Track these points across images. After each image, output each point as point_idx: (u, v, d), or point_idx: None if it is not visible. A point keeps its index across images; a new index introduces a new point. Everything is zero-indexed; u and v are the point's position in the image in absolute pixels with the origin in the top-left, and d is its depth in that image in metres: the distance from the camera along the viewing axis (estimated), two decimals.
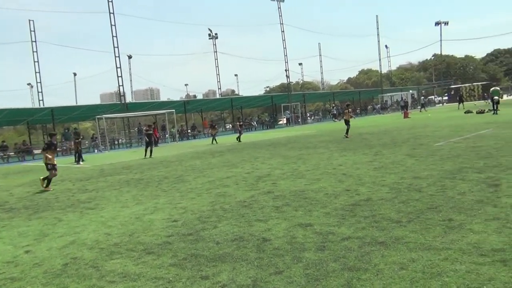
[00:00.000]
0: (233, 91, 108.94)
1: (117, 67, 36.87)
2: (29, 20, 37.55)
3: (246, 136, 28.16)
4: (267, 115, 60.86)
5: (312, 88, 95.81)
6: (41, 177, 12.42)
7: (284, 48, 50.72)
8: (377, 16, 67.26)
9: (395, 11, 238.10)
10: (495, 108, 27.33)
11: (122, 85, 37.75)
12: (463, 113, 31.41)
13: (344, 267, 4.13)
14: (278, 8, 49.78)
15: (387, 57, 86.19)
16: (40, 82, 38.48)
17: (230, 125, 56.37)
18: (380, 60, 67.84)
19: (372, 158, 11.73)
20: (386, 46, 78.36)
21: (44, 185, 12.12)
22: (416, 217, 5.54)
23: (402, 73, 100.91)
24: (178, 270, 4.54)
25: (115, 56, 36.67)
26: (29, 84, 68.10)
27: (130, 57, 64.12)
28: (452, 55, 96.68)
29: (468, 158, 9.98)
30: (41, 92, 38.31)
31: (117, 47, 36.61)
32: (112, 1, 35.87)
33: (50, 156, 12.40)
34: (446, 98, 72.98)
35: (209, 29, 52.10)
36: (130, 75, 64.93)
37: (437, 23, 71.86)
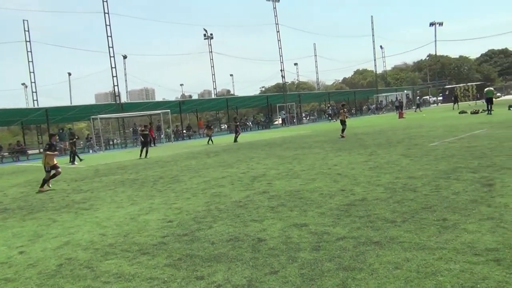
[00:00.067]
0: (228, 91, 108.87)
1: (112, 67, 36.76)
2: (23, 20, 37.35)
3: (242, 137, 28.13)
4: (263, 115, 60.87)
5: (308, 88, 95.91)
6: (39, 188, 12.29)
7: (279, 48, 50.79)
8: (372, 16, 67.31)
9: (390, 12, 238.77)
10: (489, 108, 27.49)
11: (117, 85, 37.69)
12: (457, 113, 31.56)
13: (339, 267, 4.14)
14: (273, 8, 49.84)
15: (382, 57, 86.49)
16: (35, 82, 38.29)
17: (226, 125, 56.36)
18: (375, 60, 68.01)
19: (367, 158, 11.76)
20: (381, 46, 78.81)
21: (44, 187, 12.06)
22: (410, 217, 5.57)
23: (397, 73, 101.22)
24: (173, 270, 4.53)
25: (110, 56, 36.55)
26: (23, 84, 67.76)
27: (125, 57, 63.89)
28: (446, 56, 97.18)
29: (463, 158, 10.03)
30: (36, 92, 38.13)
31: (112, 47, 36.52)
32: (107, 1, 35.76)
33: (50, 157, 12.31)
34: (441, 98, 73.32)
35: (205, 29, 52.08)
36: (125, 75, 64.76)
37: (431, 24, 72.30)
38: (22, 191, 12.39)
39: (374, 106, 62.86)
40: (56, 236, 6.57)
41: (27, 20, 37.59)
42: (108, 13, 35.92)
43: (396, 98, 57.70)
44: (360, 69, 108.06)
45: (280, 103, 51.20)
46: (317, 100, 72.42)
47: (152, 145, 30.49)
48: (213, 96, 59.77)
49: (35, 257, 5.58)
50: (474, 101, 52.94)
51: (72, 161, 21.92)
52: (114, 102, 38.71)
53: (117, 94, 38.28)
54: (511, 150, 10.36)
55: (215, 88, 53.85)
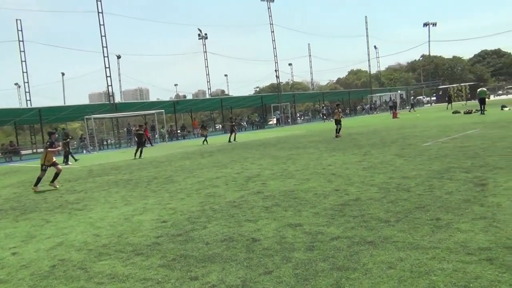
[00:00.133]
0: (223, 91, 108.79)
1: (106, 67, 36.63)
2: (17, 20, 37.15)
3: (236, 137, 28.10)
4: (257, 115, 60.88)
5: (302, 88, 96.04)
6: (32, 186, 12.23)
7: (274, 48, 50.82)
8: (366, 17, 67.52)
9: (384, 12, 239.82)
10: (482, 108, 27.67)
11: (111, 85, 37.57)
12: (451, 113, 31.73)
13: (333, 266, 4.14)
14: (268, 8, 49.86)
15: (376, 57, 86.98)
16: (28, 82, 38.14)
17: (220, 125, 56.33)
18: (369, 60, 68.35)
19: (361, 158, 11.80)
20: (375, 46, 79.10)
21: (38, 188, 12.01)
22: (404, 217, 5.59)
23: (391, 73, 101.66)
24: (167, 271, 4.52)
25: (104, 56, 36.42)
26: (16, 84, 67.33)
27: (119, 57, 63.70)
28: (440, 56, 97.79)
29: (456, 158, 10.08)
30: (29, 92, 38.00)
31: (106, 47, 36.38)
32: (100, 1, 35.64)
33: (51, 154, 12.25)
34: (434, 98, 73.70)
35: (199, 29, 52.06)
36: (119, 75, 64.57)
37: (425, 24, 72.70)
38: (15, 192, 12.31)
39: (368, 106, 63.08)
40: (49, 237, 6.53)
41: (20, 20, 37.44)
42: (102, 13, 35.83)
43: (390, 98, 57.92)
44: (354, 69, 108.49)
45: (274, 103, 51.24)
46: (312, 100, 72.55)
47: (148, 145, 30.44)
48: (207, 96, 59.70)
49: (28, 258, 5.54)
50: (465, 102, 53.20)
51: (66, 161, 21.80)
52: (108, 102, 38.57)
53: (111, 94, 38.15)
54: (504, 150, 10.43)
55: (210, 88, 53.90)
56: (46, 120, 38.91)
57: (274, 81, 61.75)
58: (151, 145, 31.96)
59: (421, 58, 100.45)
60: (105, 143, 39.36)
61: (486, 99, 29.38)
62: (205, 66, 51.65)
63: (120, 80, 65.62)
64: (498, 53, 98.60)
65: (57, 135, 15.10)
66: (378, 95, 66.48)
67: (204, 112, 69.67)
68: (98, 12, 35.59)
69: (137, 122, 47.49)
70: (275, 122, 53.01)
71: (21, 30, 37.10)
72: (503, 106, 30.06)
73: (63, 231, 6.85)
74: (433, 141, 14.08)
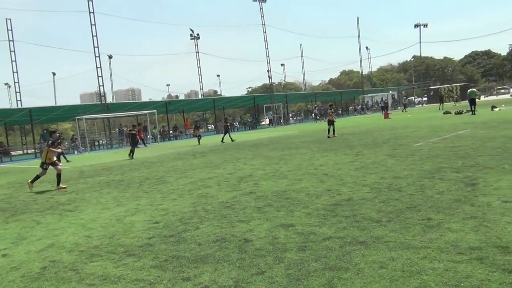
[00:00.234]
0: (215, 91, 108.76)
1: (97, 67, 36.40)
2: (6, 19, 36.89)
3: (228, 137, 28.05)
4: (249, 116, 60.87)
5: (294, 88, 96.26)
6: (29, 181, 12.15)
7: (266, 49, 50.84)
8: (357, 18, 68.07)
9: (376, 13, 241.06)
10: (472, 109, 27.90)
11: (103, 85, 37.30)
12: (442, 113, 31.96)
13: (325, 266, 4.16)
14: (260, 8, 49.87)
15: (368, 58, 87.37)
16: (18, 82, 37.82)
17: (213, 126, 56.22)
18: (361, 61, 68.66)
19: (353, 158, 11.85)
20: (366, 47, 79.46)
21: (33, 187, 12.00)
22: (396, 217, 5.62)
23: (382, 74, 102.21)
24: (159, 271, 4.50)
25: (95, 56, 36.20)
26: (6, 84, 66.64)
27: (110, 57, 63.42)
28: (431, 57, 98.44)
29: (447, 158, 10.16)
30: (19, 92, 37.67)
31: (97, 46, 36.16)
32: (92, 0, 35.41)
33: (51, 154, 12.17)
34: (426, 99, 74.18)
35: (191, 30, 51.95)
36: (111, 75, 64.27)
37: (416, 25, 73.19)
38: (5, 193, 12.19)
39: (360, 106, 63.33)
40: (40, 238, 6.48)
41: (10, 19, 37.15)
42: (93, 13, 35.59)
43: (382, 98, 58.20)
44: (346, 70, 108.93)
45: (267, 104, 51.26)
46: (304, 100, 72.71)
47: (142, 145, 30.35)
48: (200, 97, 59.61)
49: (18, 260, 5.50)
50: (454, 102, 53.51)
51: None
52: (99, 103, 38.34)
53: (102, 94, 37.90)
54: (494, 150, 10.54)
55: (202, 89, 53.81)
56: (37, 120, 38.60)
57: (267, 81, 61.78)
58: (145, 145, 31.84)
59: (413, 59, 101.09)
60: (96, 143, 39.10)
61: (477, 100, 29.64)
62: (198, 67, 51.59)
63: (111, 80, 65.39)
64: (488, 54, 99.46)
65: (58, 134, 15.00)
66: (370, 96, 66.76)
67: (196, 113, 69.50)
68: (90, 12, 35.39)
69: (129, 123, 47.31)
70: (267, 122, 53.03)
71: (11, 30, 36.82)
72: (493, 107, 30.36)
73: (54, 232, 6.80)
74: (425, 141, 14.18)
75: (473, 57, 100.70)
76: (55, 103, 55.04)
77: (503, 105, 33.55)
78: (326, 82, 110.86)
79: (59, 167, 12.26)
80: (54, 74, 67.57)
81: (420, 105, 69.85)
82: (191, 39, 51.79)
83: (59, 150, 12.79)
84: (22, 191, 12.27)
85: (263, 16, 50.11)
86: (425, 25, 73.75)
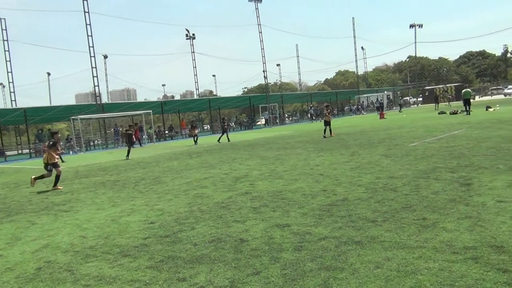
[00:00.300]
0: (211, 91, 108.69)
1: (92, 67, 36.27)
2: (1, 19, 36.64)
3: (225, 137, 28.05)
4: (245, 116, 60.88)
5: (290, 89, 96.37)
6: (33, 176, 12.12)
7: (262, 49, 50.86)
8: (353, 18, 67.95)
9: (371, 14, 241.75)
10: (467, 109, 28.03)
11: (98, 85, 37.19)
12: (437, 113, 32.08)
13: (321, 266, 4.16)
14: (256, 9, 49.91)
15: (364, 58, 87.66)
16: (13, 82, 37.63)
17: (208, 126, 56.19)
18: (356, 61, 68.84)
19: (349, 158, 11.87)
20: (362, 47, 79.89)
21: (35, 185, 12.00)
22: (391, 217, 5.64)
23: (378, 74, 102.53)
24: (155, 272, 4.50)
25: (90, 56, 36.06)
26: (0, 84, 66.39)
27: (105, 57, 63.20)
28: (426, 57, 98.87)
29: (442, 158, 10.20)
30: (14, 92, 37.50)
31: (93, 46, 36.04)
32: (87, 0, 35.28)
33: (53, 155, 12.13)
34: (421, 99, 74.48)
35: (186, 30, 51.85)
36: (106, 75, 64.06)
37: (411, 26, 73.44)
38: None
39: (355, 106, 63.51)
40: (35, 239, 6.45)
41: (4, 19, 36.96)
42: (88, 12, 35.47)
43: (377, 99, 58.40)
44: (342, 70, 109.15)
45: (262, 104, 51.29)
46: (300, 101, 72.79)
47: (137, 145, 30.29)
48: (195, 97, 59.51)
49: (13, 260, 5.47)
50: (447, 102, 53.67)
51: None
52: (94, 103, 38.21)
53: (97, 94, 37.79)
54: (489, 150, 10.59)
55: (198, 89, 53.70)
56: (32, 120, 38.43)
57: (262, 81, 61.91)
58: (140, 145, 31.78)
59: (408, 59, 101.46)
60: (92, 144, 39.00)
61: (471, 100, 29.78)
62: (193, 67, 51.50)
63: (107, 80, 65.17)
64: (482, 54, 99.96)
65: (60, 135, 14.96)
66: (365, 96, 66.97)
67: (192, 113, 69.41)
68: (85, 12, 35.26)
69: (124, 123, 47.18)
70: (263, 122, 53.06)
71: (6, 29, 36.62)
72: (487, 107, 30.52)
73: (49, 233, 6.77)
74: (420, 142, 14.23)
75: (468, 58, 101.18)
76: (50, 103, 54.90)
77: (497, 105, 33.76)
78: (322, 82, 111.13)
79: (59, 168, 12.22)
80: (49, 74, 67.52)
81: (415, 105, 70.13)
82: (186, 39, 51.71)
83: (60, 152, 12.73)
84: (17, 191, 12.21)
85: (258, 16, 50.20)
86: (420, 26, 74.06)
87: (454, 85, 70.61)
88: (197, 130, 28.39)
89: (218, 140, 26.00)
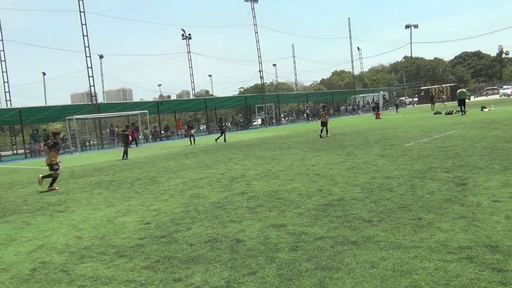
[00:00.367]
0: (207, 91, 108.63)
1: (88, 67, 36.15)
2: None
3: (222, 138, 28.03)
4: (241, 116, 60.85)
5: (286, 89, 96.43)
6: (41, 175, 12.05)
7: (258, 49, 50.89)
8: (349, 18, 68.13)
9: (367, 14, 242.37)
10: (462, 109, 28.15)
11: (94, 85, 37.04)
12: (432, 114, 32.19)
13: (316, 266, 4.17)
14: (252, 9, 49.93)
15: (360, 58, 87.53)
16: (8, 82, 37.38)
17: (204, 126, 56.12)
18: (352, 61, 69.07)
19: (345, 158, 11.89)
20: (358, 48, 79.91)
21: (42, 183, 11.95)
22: (387, 216, 5.65)
23: (374, 74, 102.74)
24: (151, 272, 4.49)
25: (86, 56, 35.94)
26: None
27: (101, 57, 63.09)
28: (421, 57, 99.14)
29: (437, 158, 10.24)
30: (9, 92, 37.21)
31: (88, 46, 35.90)
32: (82, 0, 35.18)
33: (55, 155, 12.07)
34: (416, 99, 74.69)
35: (183, 30, 51.79)
36: (102, 75, 63.98)
37: (407, 26, 73.69)
38: None
39: (351, 107, 63.62)
40: (30, 240, 6.42)
41: None
42: (84, 12, 35.35)
43: (373, 99, 58.52)
44: (338, 70, 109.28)
45: (259, 104, 51.27)
46: (296, 101, 72.84)
47: (133, 145, 30.24)
48: (191, 97, 59.47)
49: (8, 261, 5.44)
50: (441, 102, 53.78)
51: None
52: (90, 103, 38.08)
53: (93, 94, 37.66)
54: (483, 150, 10.64)
55: (194, 89, 53.69)
56: (27, 121, 38.25)
57: (258, 81, 61.82)
58: (136, 145, 31.71)
59: (403, 60, 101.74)
60: (87, 144, 38.85)
61: (466, 100, 29.91)
62: (189, 67, 51.45)
63: (102, 81, 65.32)
64: (478, 55, 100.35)
65: (60, 135, 14.90)
66: (361, 96, 67.09)
67: (188, 113, 69.32)
68: (80, 12, 35.14)
69: (120, 123, 47.09)
70: (259, 122, 53.04)
71: (0, 29, 36.42)
72: (482, 107, 30.66)
73: (44, 233, 6.74)
74: (415, 142, 14.27)
75: (463, 58, 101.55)
76: (46, 103, 54.64)
77: (492, 105, 33.92)
78: (318, 82, 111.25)
79: (58, 171, 12.18)
80: (44, 74, 67.08)
81: (411, 106, 70.32)
82: (182, 39, 51.65)
83: (58, 151, 12.70)
84: (12, 191, 12.16)
85: (254, 17, 50.21)
86: (416, 26, 74.39)
87: (449, 85, 70.85)
88: (193, 130, 28.35)
89: (216, 140, 26.02)
